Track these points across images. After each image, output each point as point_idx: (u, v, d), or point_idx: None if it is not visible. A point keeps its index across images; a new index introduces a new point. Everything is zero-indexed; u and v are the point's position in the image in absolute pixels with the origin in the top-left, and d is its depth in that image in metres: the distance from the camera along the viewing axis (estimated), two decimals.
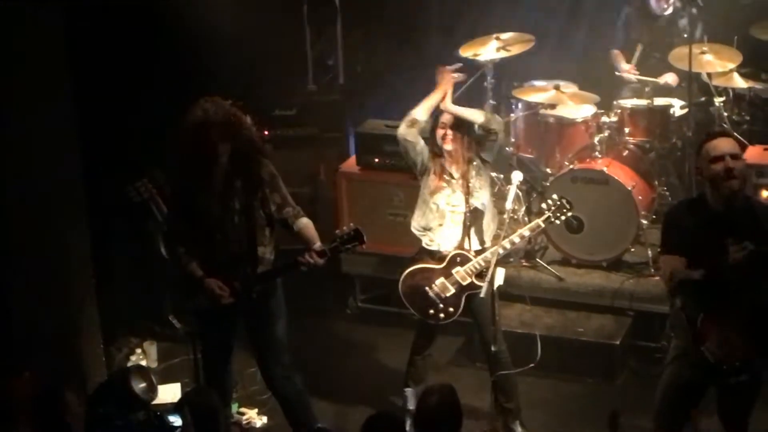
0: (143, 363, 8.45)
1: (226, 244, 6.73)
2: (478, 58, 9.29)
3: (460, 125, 7.26)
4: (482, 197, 7.28)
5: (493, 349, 7.19)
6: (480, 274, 7.18)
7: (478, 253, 7.26)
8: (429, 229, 7.40)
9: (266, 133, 8.89)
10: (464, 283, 7.25)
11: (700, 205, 6.02)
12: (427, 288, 7.33)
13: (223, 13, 9.24)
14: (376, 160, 9.14)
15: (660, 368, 7.93)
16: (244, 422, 7.82)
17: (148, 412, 7.50)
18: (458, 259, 7.26)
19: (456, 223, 7.30)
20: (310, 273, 6.82)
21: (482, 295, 6.93)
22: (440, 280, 7.31)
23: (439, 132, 7.28)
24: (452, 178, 7.30)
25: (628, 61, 9.50)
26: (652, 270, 8.61)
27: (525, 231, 7.30)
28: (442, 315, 7.38)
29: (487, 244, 7.31)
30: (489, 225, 7.38)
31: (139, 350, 8.67)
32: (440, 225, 7.36)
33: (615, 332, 8.32)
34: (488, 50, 9.27)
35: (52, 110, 7.24)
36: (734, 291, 5.88)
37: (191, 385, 7.44)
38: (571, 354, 8.19)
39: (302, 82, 10.60)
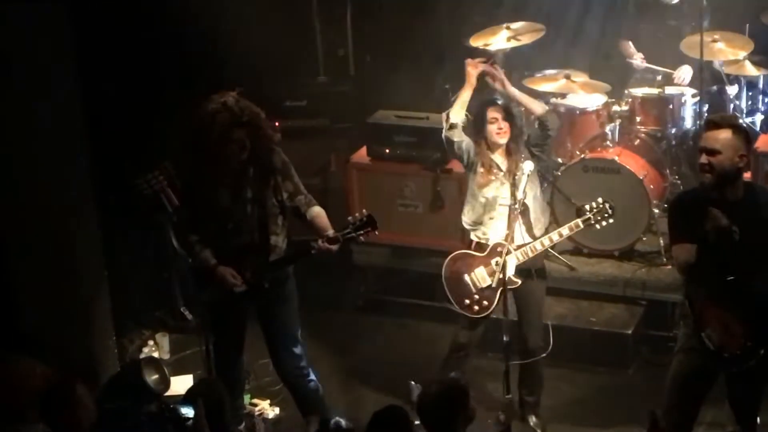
0: (155, 355, 8.47)
1: (238, 234, 6.73)
2: (488, 47, 9.27)
3: (512, 118, 7.20)
4: (530, 191, 7.14)
5: (529, 345, 7.20)
6: (520, 270, 7.12)
7: (526, 245, 7.15)
8: (480, 223, 7.32)
9: (277, 124, 8.87)
10: (500, 276, 7.01)
11: (704, 193, 6.01)
12: (466, 275, 7.28)
13: (232, 5, 9.24)
14: (387, 150, 9.12)
15: (672, 357, 7.95)
16: (257, 413, 7.82)
17: (160, 404, 7.52)
18: (499, 249, 7.09)
19: (506, 216, 7.12)
20: (322, 264, 6.83)
21: (493, 284, 6.91)
22: (479, 269, 7.25)
23: (491, 127, 7.19)
24: (500, 170, 7.23)
25: (638, 50, 9.47)
26: (664, 259, 8.59)
27: (564, 230, 7.15)
28: (476, 308, 7.28)
29: (537, 237, 7.23)
30: (539, 219, 7.31)
31: (151, 342, 8.69)
32: (491, 219, 7.27)
33: (627, 321, 8.31)
34: (499, 40, 9.25)
35: (60, 103, 7.25)
36: (734, 279, 5.86)
37: (204, 376, 7.44)
38: (583, 343, 8.18)
39: (313, 73, 10.59)
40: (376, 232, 6.68)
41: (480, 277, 7.25)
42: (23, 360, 6.67)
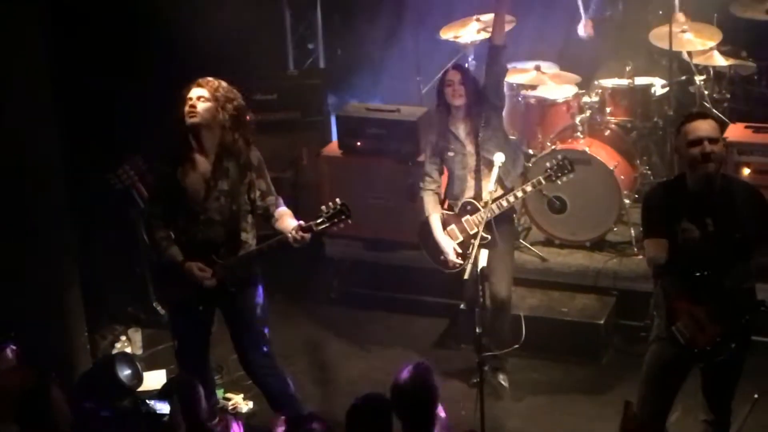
0: (128, 350, 8.43)
1: (209, 226, 6.69)
2: (458, 40, 9.29)
3: (469, 81, 7.42)
4: (494, 147, 7.36)
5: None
6: (488, 225, 7.28)
7: (497, 199, 7.36)
8: (455, 194, 7.60)
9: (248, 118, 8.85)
10: (471, 232, 7.41)
11: (678, 186, 6.02)
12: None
13: None
14: (359, 143, 9.12)
15: (645, 347, 7.98)
16: (230, 407, 7.81)
17: (134, 400, 7.50)
18: (468, 207, 7.49)
19: (473, 178, 7.49)
20: (294, 257, 6.81)
21: (465, 276, 6.93)
22: (451, 227, 7.54)
23: (447, 90, 7.43)
24: (457, 139, 7.47)
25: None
26: (635, 249, 8.63)
27: (528, 186, 7.42)
28: (450, 264, 7.54)
29: (510, 187, 7.46)
30: (508, 171, 7.48)
31: (123, 337, 8.65)
32: (462, 190, 7.54)
33: (599, 312, 8.34)
34: (469, 32, 9.28)
35: (32, 97, 7.20)
36: (707, 274, 5.89)
37: (176, 372, 7.43)
38: (555, 334, 8.20)
39: (283, 66, 10.57)
40: (350, 221, 6.66)
41: (452, 234, 7.53)
42: None
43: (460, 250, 7.52)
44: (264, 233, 6.92)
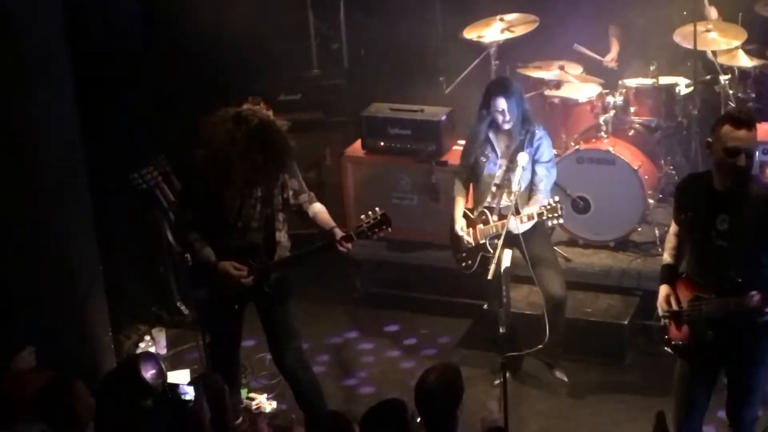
0: (152, 350, 8.46)
1: (246, 232, 6.73)
2: (482, 39, 9.27)
3: (514, 102, 7.47)
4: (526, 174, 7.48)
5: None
6: (493, 239, 7.41)
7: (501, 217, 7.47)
8: (478, 203, 7.71)
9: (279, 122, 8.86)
10: (481, 241, 7.56)
11: (705, 179, 5.96)
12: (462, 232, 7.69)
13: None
14: (382, 143, 9.12)
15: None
16: (254, 407, 7.83)
17: (157, 399, 7.52)
18: (484, 216, 7.56)
19: (496, 192, 7.59)
20: (317, 258, 6.83)
21: (489, 276, 6.92)
22: (470, 230, 7.64)
23: (498, 116, 7.48)
24: (494, 149, 7.58)
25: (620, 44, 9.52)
26: (660, 249, 8.58)
27: (533, 211, 7.35)
28: (463, 264, 7.76)
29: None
30: (524, 193, 7.54)
31: (147, 337, 8.69)
32: (484, 196, 7.63)
33: (623, 312, 8.31)
34: (492, 31, 9.25)
35: (54, 95, 7.21)
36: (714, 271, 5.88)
37: (200, 371, 7.45)
38: (579, 334, 8.16)
39: (306, 66, 10.58)
40: (390, 230, 6.76)
41: (469, 236, 7.64)
42: (18, 358, 6.71)
43: (469, 238, 7.61)
44: (296, 232, 6.96)
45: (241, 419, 7.42)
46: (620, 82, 9.12)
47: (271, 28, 9.76)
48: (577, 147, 8.76)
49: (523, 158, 7.31)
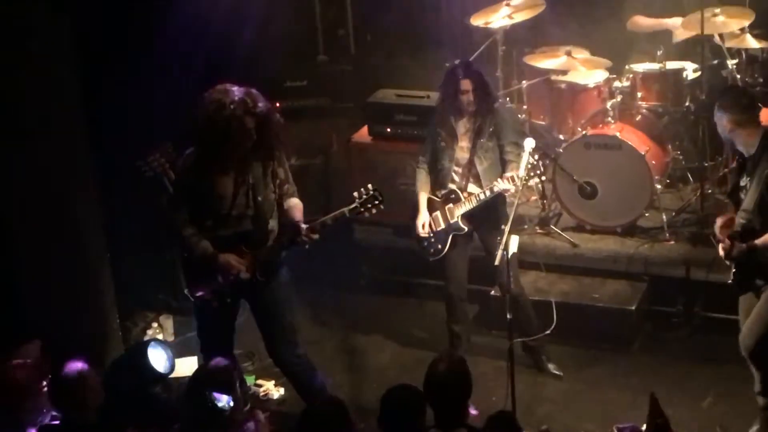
0: (160, 337, 8.48)
1: (239, 220, 6.72)
2: (489, 26, 9.25)
3: (480, 84, 7.46)
4: (487, 157, 7.50)
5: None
6: (466, 217, 7.51)
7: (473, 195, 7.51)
8: (442, 187, 7.66)
9: (278, 104, 8.86)
10: (451, 221, 7.54)
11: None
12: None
13: None
14: (388, 129, 9.12)
15: (676, 333, 8.01)
16: (261, 394, 7.84)
17: (165, 385, 7.54)
18: (452, 195, 7.58)
19: (462, 174, 7.58)
20: (323, 244, 6.81)
21: (496, 262, 6.91)
22: (435, 213, 7.61)
23: (463, 98, 7.43)
24: (453, 133, 7.54)
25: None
26: (667, 234, 8.59)
27: (504, 181, 7.35)
28: (431, 250, 7.70)
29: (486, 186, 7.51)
30: (487, 172, 7.51)
31: (155, 324, 8.70)
32: (446, 181, 7.61)
33: (630, 298, 8.30)
34: (499, 17, 9.22)
35: (60, 85, 7.23)
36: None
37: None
38: (586, 320, 8.18)
39: (313, 52, 10.57)
40: (382, 207, 6.74)
41: (435, 220, 7.61)
42: (25, 348, 6.73)
43: (429, 229, 7.61)
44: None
45: (248, 406, 7.42)
46: (627, 67, 9.11)
47: (277, 14, 9.74)
48: (584, 132, 8.75)
49: (529, 143, 7.28)
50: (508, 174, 7.33)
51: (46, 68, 7.11)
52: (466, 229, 7.55)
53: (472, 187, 7.54)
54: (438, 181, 7.66)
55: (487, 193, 7.41)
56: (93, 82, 7.67)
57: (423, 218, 7.60)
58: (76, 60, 7.37)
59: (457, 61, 7.71)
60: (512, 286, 7.22)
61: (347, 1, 10.66)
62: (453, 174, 7.57)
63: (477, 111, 7.49)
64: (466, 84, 7.42)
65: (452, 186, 7.57)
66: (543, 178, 7.51)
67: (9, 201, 7.27)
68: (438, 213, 7.60)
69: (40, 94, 7.11)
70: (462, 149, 7.54)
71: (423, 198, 7.65)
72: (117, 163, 8.32)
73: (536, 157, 7.26)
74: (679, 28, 9.02)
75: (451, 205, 7.56)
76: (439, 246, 7.65)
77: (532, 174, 7.28)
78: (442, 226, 7.60)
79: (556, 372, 7.85)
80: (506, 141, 7.48)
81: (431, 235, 7.62)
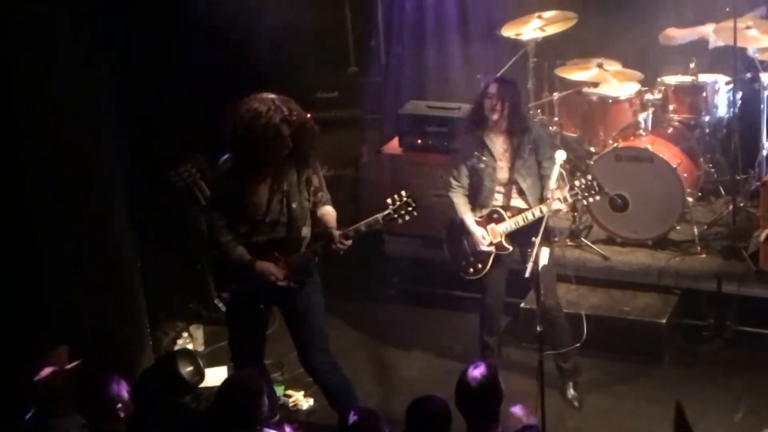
0: (190, 347, 8.50)
1: (274, 227, 6.74)
2: (520, 37, 9.24)
3: (508, 97, 7.38)
4: (528, 174, 7.44)
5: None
6: (510, 236, 7.43)
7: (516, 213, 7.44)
8: (484, 207, 7.59)
9: (309, 116, 8.88)
10: (495, 241, 7.46)
11: None
12: (464, 238, 7.57)
13: None
14: (419, 141, 9.13)
15: (707, 347, 7.96)
16: (291, 405, 7.84)
17: (195, 396, 7.56)
18: (495, 215, 7.49)
19: (504, 194, 7.53)
20: (354, 255, 6.83)
21: (526, 275, 6.89)
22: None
23: (487, 102, 7.38)
24: (491, 153, 7.46)
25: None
26: (698, 248, 8.55)
27: (556, 201, 7.28)
28: (471, 270, 7.63)
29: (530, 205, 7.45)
30: (531, 188, 7.47)
31: (185, 334, 8.72)
32: (489, 201, 7.55)
33: (661, 311, 8.26)
34: (530, 29, 9.21)
35: (94, 95, 7.26)
36: None
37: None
38: (617, 333, 8.15)
39: (344, 63, 10.58)
40: (416, 213, 6.77)
41: (476, 240, 7.53)
42: (52, 354, 6.75)
43: (489, 242, 7.51)
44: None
45: (278, 417, 7.43)
46: (659, 80, 9.08)
47: (308, 25, 9.76)
48: (615, 145, 8.72)
49: (561, 155, 7.26)
50: (558, 195, 7.25)
51: (79, 76, 7.14)
52: (510, 249, 7.48)
53: (516, 202, 7.48)
54: (478, 202, 7.59)
55: (536, 213, 7.32)
56: (123, 93, 7.70)
57: (479, 233, 7.52)
58: (108, 69, 7.40)
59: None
60: (547, 299, 7.17)
61: (378, 12, 10.67)
62: (495, 194, 7.52)
63: (511, 129, 7.42)
64: (492, 88, 7.38)
65: (495, 204, 7.52)
66: (598, 198, 7.37)
67: (41, 211, 7.30)
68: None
69: (74, 101, 7.14)
70: (502, 169, 7.47)
71: (469, 217, 7.55)
72: (148, 172, 8.36)
73: (590, 177, 7.26)
74: (713, 35, 9.00)
75: (493, 225, 7.49)
76: (479, 265, 7.59)
77: (586, 194, 7.24)
78: (493, 249, 7.54)
79: (575, 403, 7.72)
80: (544, 157, 7.45)
81: (471, 255, 7.57)
